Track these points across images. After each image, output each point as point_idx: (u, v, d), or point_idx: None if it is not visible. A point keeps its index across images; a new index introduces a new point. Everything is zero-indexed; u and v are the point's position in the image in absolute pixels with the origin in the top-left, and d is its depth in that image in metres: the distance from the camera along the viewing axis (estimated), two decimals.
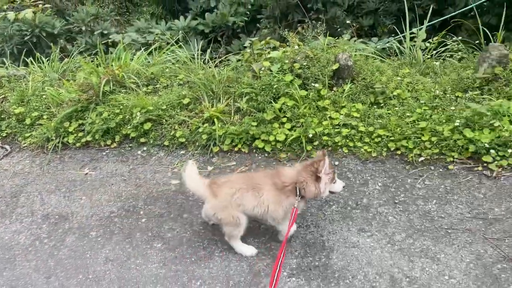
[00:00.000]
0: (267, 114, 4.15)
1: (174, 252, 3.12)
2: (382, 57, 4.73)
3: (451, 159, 3.44)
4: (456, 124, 3.42)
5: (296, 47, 4.54)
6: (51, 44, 6.89)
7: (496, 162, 3.29)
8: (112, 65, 5.39)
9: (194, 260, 3.05)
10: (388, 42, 4.99)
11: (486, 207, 2.99)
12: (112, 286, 2.90)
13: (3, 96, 5.62)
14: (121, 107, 4.69)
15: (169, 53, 5.96)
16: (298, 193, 2.71)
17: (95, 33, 7.48)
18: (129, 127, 4.58)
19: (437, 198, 3.16)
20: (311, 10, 7.94)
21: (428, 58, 4.58)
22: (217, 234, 3.17)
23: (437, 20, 5.09)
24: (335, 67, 4.35)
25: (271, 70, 4.44)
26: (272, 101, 4.24)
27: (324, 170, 2.68)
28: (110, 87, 5.03)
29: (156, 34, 7.73)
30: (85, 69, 5.30)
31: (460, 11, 5.01)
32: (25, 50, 6.98)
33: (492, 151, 3.27)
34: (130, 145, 4.58)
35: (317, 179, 2.70)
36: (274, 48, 4.94)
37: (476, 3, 4.78)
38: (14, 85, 5.65)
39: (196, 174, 2.92)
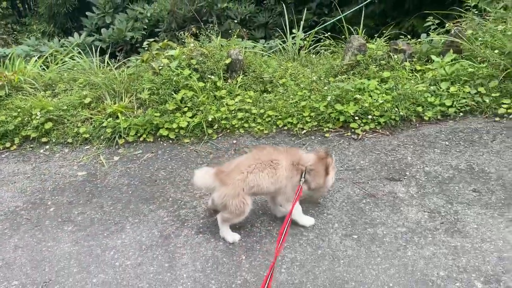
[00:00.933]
0: (169, 105, 4.49)
1: (85, 231, 3.29)
2: (269, 54, 5.36)
3: (327, 129, 4.09)
4: (328, 99, 4.09)
5: (192, 45, 4.96)
6: None
7: (361, 127, 4.00)
8: (5, 72, 5.32)
9: (107, 235, 3.25)
10: (274, 42, 5.66)
11: (354, 161, 3.65)
12: (24, 269, 2.98)
13: None
14: (19, 110, 4.68)
15: (67, 59, 6.01)
16: (303, 177, 2.83)
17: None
18: (29, 128, 4.59)
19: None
20: (207, 23, 8.49)
21: (306, 53, 5.31)
22: (128, 211, 3.42)
23: (318, 27, 5.92)
24: (228, 61, 4.85)
25: (170, 67, 4.80)
26: (173, 93, 4.59)
27: (333, 167, 2.93)
28: (5, 92, 4.97)
29: (51, 47, 7.65)
30: None
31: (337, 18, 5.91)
32: None
33: (357, 119, 3.98)
34: (31, 145, 4.59)
35: (327, 173, 2.91)
36: (172, 49, 5.31)
37: (348, 13, 5.70)
38: None
39: (205, 173, 2.91)
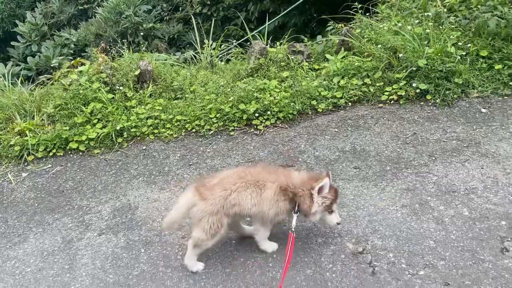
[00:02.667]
0: (78, 118, 4.55)
1: None
2: (179, 64, 5.56)
3: (233, 127, 4.32)
4: (230, 99, 4.33)
5: (100, 59, 5.06)
6: None
7: (262, 123, 4.26)
8: None
9: (9, 247, 3.26)
10: (187, 54, 5.89)
11: (254, 153, 3.88)
12: None
13: None
14: None
15: None
16: (296, 208, 2.57)
17: None
18: None
19: (221, 156, 3.96)
20: (133, 43, 8.61)
21: (216, 62, 5.56)
22: (32, 223, 3.44)
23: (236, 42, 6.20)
24: (137, 72, 4.99)
25: (79, 82, 4.87)
26: (82, 106, 4.66)
27: (319, 190, 2.51)
28: None
29: None
30: None
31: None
32: None
33: (258, 116, 4.24)
34: None
35: (311, 197, 2.53)
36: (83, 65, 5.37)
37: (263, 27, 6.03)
38: None
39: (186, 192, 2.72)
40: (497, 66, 4.15)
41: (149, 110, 4.67)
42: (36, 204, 3.74)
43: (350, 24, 5.35)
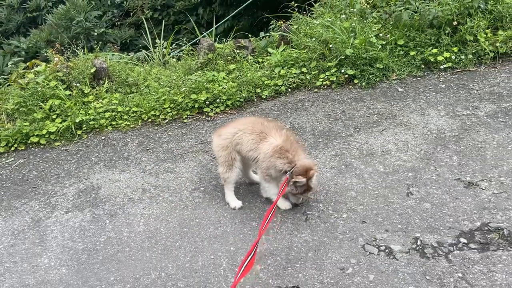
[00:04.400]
0: (37, 114, 4.82)
1: None
2: (133, 63, 5.93)
3: (186, 115, 4.75)
4: (182, 90, 4.77)
5: (56, 59, 5.35)
6: None
7: (213, 111, 4.73)
8: None
9: None
10: (140, 53, 6.28)
11: (206, 136, 4.33)
12: None
13: None
14: None
15: None
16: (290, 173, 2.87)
17: None
18: None
19: (176, 140, 4.38)
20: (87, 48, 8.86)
21: (169, 59, 5.98)
22: (0, 208, 3.72)
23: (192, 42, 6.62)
24: (92, 70, 5.32)
25: (37, 81, 5.13)
26: (41, 103, 4.93)
27: (298, 183, 2.85)
28: None
29: None
30: None
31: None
32: None
33: (209, 104, 4.71)
34: None
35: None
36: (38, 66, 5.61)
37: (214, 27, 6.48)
38: None
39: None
40: (412, 53, 4.84)
41: (106, 104, 5.01)
42: (2, 193, 4.00)
43: (289, 21, 5.92)
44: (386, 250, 2.66)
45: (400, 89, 4.47)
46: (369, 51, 4.82)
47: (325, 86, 4.80)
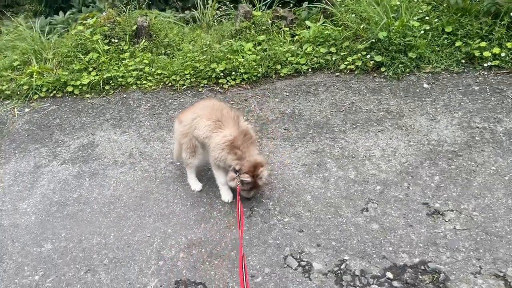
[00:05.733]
0: (76, 65, 5.21)
1: None
2: (176, 22, 5.99)
3: (202, 84, 4.75)
4: (203, 58, 4.74)
5: (103, 14, 5.64)
6: None
7: (228, 83, 4.66)
8: None
9: None
10: (189, 13, 6.30)
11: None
12: None
13: None
14: None
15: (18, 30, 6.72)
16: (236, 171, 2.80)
17: None
18: None
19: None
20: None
21: (214, 22, 5.92)
22: (18, 149, 4.18)
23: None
24: (134, 27, 5.52)
25: (84, 33, 5.50)
26: (81, 55, 5.30)
27: (244, 181, 2.77)
28: None
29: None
30: None
31: None
32: None
33: (226, 75, 4.64)
34: None
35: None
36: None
37: None
38: None
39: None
40: (458, 43, 4.17)
41: (137, 63, 5.20)
42: (26, 135, 4.48)
43: None
44: (306, 267, 2.48)
45: (426, 85, 3.92)
46: (407, 36, 4.25)
47: (348, 71, 4.41)
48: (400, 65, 4.18)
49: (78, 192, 3.48)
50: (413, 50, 4.19)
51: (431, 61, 4.17)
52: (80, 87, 5.12)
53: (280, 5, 5.63)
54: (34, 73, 5.32)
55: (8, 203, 3.50)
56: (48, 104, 5.03)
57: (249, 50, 4.88)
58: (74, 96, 5.09)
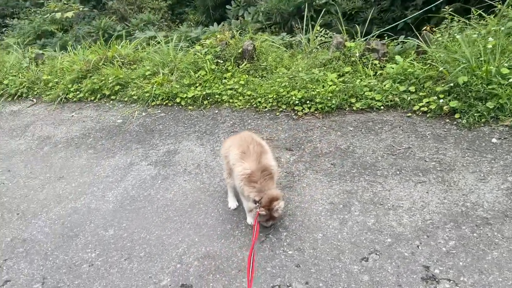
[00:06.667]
0: (186, 80, 6.10)
1: (97, 154, 5.16)
2: (279, 47, 6.45)
3: (281, 109, 5.14)
4: (285, 85, 5.12)
5: (218, 36, 6.44)
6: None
7: (303, 111, 4.95)
8: (107, 50, 7.64)
9: (105, 158, 5.06)
10: (294, 37, 6.72)
11: (278, 134, 4.67)
12: (55, 168, 4.99)
13: (40, 70, 8.10)
14: (104, 76, 6.89)
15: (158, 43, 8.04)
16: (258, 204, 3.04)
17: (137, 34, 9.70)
18: (105, 88, 6.75)
19: (259, 128, 4.89)
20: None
21: (315, 49, 6.23)
22: (124, 147, 5.18)
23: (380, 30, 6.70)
24: (240, 50, 6.19)
25: (199, 52, 6.39)
26: (192, 72, 6.18)
27: (261, 210, 3.01)
28: (102, 63, 7.26)
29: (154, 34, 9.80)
30: (91, 51, 7.63)
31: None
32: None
33: (302, 103, 4.94)
34: (105, 100, 6.74)
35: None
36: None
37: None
38: (50, 62, 8.12)
39: None
40: None
41: (234, 83, 5.84)
42: (135, 135, 5.47)
43: (442, 26, 5.20)
44: None
45: (495, 140, 3.62)
46: (492, 84, 3.96)
47: (421, 113, 4.28)
48: (475, 114, 3.90)
49: (148, 191, 4.20)
50: (494, 99, 3.86)
51: None
52: (186, 99, 5.96)
53: (378, 38, 5.64)
54: (156, 83, 6.37)
55: (100, 191, 4.41)
56: (159, 111, 5.99)
57: (331, 80, 5.05)
58: (180, 107, 5.96)
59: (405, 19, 5.94)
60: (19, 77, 8.01)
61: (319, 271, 2.83)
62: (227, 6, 12.64)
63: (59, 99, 7.05)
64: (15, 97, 7.69)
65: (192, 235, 3.44)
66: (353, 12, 11.64)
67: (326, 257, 2.92)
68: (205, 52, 6.36)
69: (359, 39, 5.66)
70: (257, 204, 3.11)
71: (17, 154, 5.56)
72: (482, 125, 3.87)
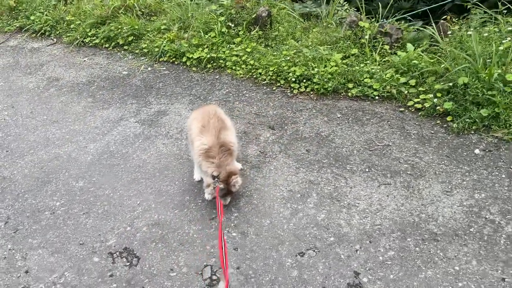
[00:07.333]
0: (195, 40, 6.00)
1: (95, 103, 5.25)
2: (298, 19, 6.17)
3: (279, 84, 5.00)
4: (286, 59, 4.95)
5: None
6: None
7: (299, 89, 4.79)
8: None
9: (99, 109, 5.15)
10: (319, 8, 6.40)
11: (266, 111, 4.57)
12: (52, 110, 5.13)
13: (67, 9, 8.17)
14: (120, 24, 6.88)
15: None
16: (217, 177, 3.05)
17: None
18: (120, 37, 6.77)
19: (247, 103, 4.80)
20: None
21: (330, 24, 5.92)
22: (121, 100, 5.22)
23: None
24: (253, 16, 5.99)
25: (212, 12, 6.24)
26: (203, 32, 6.06)
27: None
28: (122, 11, 7.24)
29: None
30: None
31: None
32: None
33: (300, 80, 4.78)
34: (118, 49, 6.77)
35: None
36: None
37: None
38: (76, 4, 8.17)
39: None
40: None
41: (240, 50, 5.70)
42: (134, 90, 5.51)
43: (466, 17, 4.80)
44: (213, 282, 2.73)
45: (477, 151, 3.40)
46: (493, 89, 3.67)
47: (413, 110, 4.06)
48: (468, 119, 3.65)
49: (127, 149, 4.27)
50: (490, 107, 3.59)
51: (508, 125, 3.51)
52: (191, 60, 5.89)
53: (400, 20, 5.28)
54: (167, 39, 6.31)
55: (85, 141, 4.51)
56: (164, 68, 5.98)
57: (334, 61, 4.83)
58: (185, 67, 5.91)
59: (434, 5, 5.48)
60: (45, 15, 8.12)
61: (254, 258, 2.82)
62: None
63: (76, 42, 7.13)
64: (38, 34, 7.83)
65: (151, 200, 3.49)
66: None
67: (265, 245, 2.91)
68: (220, 13, 6.19)
69: (376, 20, 5.32)
70: (216, 179, 3.09)
71: (25, 92, 5.74)
72: (472, 132, 3.62)
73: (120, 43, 6.77)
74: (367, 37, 4.90)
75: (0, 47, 7.47)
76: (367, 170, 3.45)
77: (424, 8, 6.90)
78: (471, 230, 2.75)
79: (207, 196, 3.37)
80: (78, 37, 7.19)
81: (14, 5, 8.60)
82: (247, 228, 3.07)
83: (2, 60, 6.86)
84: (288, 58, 5.09)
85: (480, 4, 4.69)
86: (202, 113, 3.34)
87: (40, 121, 4.94)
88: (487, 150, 3.40)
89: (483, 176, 3.17)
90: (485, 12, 4.67)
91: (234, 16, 6.09)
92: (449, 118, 3.81)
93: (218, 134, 3.13)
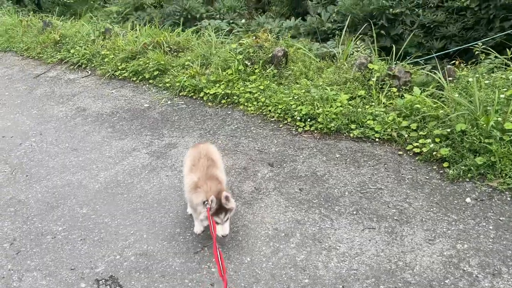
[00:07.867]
0: (213, 77, 6.29)
1: (114, 133, 5.58)
2: (314, 59, 6.33)
3: (286, 121, 5.13)
4: (289, 98, 5.09)
5: (252, 38, 6.51)
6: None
7: (304, 128, 4.89)
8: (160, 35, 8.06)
9: (116, 139, 5.46)
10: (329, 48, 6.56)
11: (267, 146, 4.69)
12: (77, 138, 5.50)
13: (103, 45, 8.78)
14: (147, 60, 7.32)
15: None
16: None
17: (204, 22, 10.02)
18: (146, 72, 7.19)
19: (253, 139, 4.94)
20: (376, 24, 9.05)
21: (343, 65, 6.04)
22: (137, 129, 5.53)
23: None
24: (270, 55, 6.22)
25: (232, 51, 6.53)
26: (221, 70, 6.35)
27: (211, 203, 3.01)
28: (152, 47, 7.71)
29: (237, 25, 9.99)
30: (145, 34, 8.13)
31: None
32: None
33: (305, 119, 4.89)
34: (143, 82, 7.18)
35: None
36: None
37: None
38: (113, 39, 8.77)
39: None
40: None
41: (253, 87, 5.91)
42: (151, 122, 5.80)
43: (476, 64, 4.79)
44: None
45: (468, 200, 3.34)
46: (491, 137, 3.63)
47: (412, 154, 4.05)
48: (463, 167, 3.60)
49: (132, 179, 4.49)
50: (486, 155, 3.53)
51: (504, 175, 3.44)
52: (208, 95, 6.16)
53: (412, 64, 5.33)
54: (188, 75, 6.63)
55: (97, 169, 4.79)
56: (182, 102, 6.27)
57: (340, 102, 4.92)
58: (202, 101, 6.18)
59: (465, 45, 5.47)
60: (84, 49, 8.75)
61: None
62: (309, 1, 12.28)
63: (108, 74, 7.62)
64: (76, 66, 8.43)
65: (144, 231, 3.65)
66: (431, 26, 10.82)
67: (241, 282, 2.96)
68: (239, 51, 6.47)
69: (390, 62, 5.38)
70: (205, 203, 3.15)
71: (54, 120, 6.18)
72: (467, 180, 3.56)
73: (146, 77, 7.17)
74: (374, 79, 4.95)
75: (41, 77, 8.09)
76: (354, 212, 3.46)
77: (456, 49, 6.94)
78: (446, 281, 2.69)
79: (196, 229, 3.48)
80: (110, 70, 7.68)
81: (58, 38, 9.33)
82: (227, 264, 3.14)
83: (40, 89, 7.43)
84: (297, 97, 5.22)
85: (491, 50, 4.66)
86: (194, 152, 3.50)
87: (62, 149, 5.29)
88: (479, 200, 3.33)
89: (469, 226, 3.10)
90: (495, 57, 4.63)
91: (252, 54, 6.33)
92: (445, 164, 3.77)
93: (206, 170, 3.27)
